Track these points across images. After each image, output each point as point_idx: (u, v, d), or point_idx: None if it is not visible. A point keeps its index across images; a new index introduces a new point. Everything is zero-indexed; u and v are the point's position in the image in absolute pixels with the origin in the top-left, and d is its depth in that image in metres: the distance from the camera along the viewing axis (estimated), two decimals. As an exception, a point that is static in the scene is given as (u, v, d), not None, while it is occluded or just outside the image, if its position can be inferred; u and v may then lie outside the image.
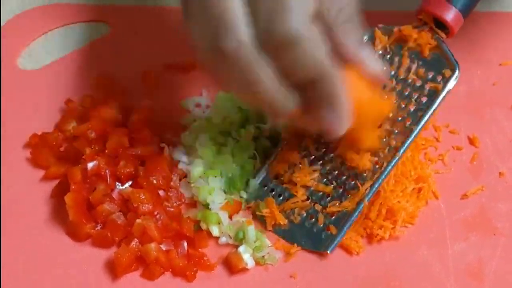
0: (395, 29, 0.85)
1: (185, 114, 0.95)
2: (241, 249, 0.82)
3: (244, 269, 0.82)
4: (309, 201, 0.85)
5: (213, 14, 0.71)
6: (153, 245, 0.82)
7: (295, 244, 0.84)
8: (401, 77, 0.85)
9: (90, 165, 0.85)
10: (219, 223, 0.84)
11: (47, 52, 1.03)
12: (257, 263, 0.83)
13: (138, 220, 0.83)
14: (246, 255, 0.82)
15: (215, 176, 0.87)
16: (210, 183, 0.86)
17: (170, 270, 0.83)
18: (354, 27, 0.76)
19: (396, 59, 0.86)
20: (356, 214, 0.82)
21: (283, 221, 0.85)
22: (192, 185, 0.87)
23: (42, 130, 0.93)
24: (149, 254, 0.82)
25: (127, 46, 1.03)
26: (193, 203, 0.87)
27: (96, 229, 0.85)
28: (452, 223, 0.86)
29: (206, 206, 0.85)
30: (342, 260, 0.84)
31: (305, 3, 0.71)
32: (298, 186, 0.85)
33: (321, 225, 0.83)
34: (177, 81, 0.99)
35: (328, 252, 0.82)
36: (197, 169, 0.87)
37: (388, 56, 0.86)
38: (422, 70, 0.84)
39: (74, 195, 0.84)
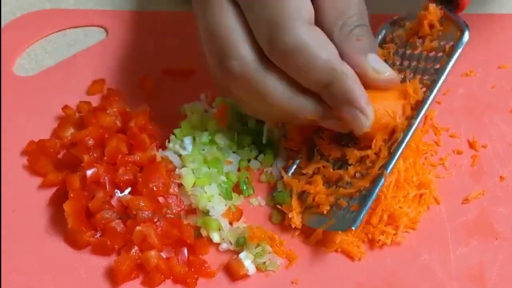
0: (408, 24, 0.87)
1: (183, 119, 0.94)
2: (242, 255, 0.82)
3: (245, 276, 0.82)
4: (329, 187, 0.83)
5: (216, 35, 0.72)
6: (153, 252, 0.81)
7: (318, 228, 0.82)
8: (416, 54, 0.86)
9: (89, 172, 0.84)
10: (219, 230, 0.84)
11: (44, 57, 1.03)
12: (258, 269, 0.82)
13: (138, 228, 0.82)
14: (247, 262, 0.81)
15: (210, 184, 0.86)
16: (207, 190, 0.86)
17: (171, 277, 0.82)
18: (360, 36, 0.77)
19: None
20: (378, 187, 0.79)
21: (298, 224, 0.83)
22: (190, 193, 0.86)
23: (39, 137, 0.92)
24: (149, 262, 0.81)
25: (125, 51, 1.03)
26: (192, 209, 0.87)
27: (96, 237, 0.84)
28: (453, 228, 0.85)
29: (206, 212, 0.84)
30: (343, 265, 0.83)
31: (302, 11, 0.71)
32: (318, 178, 0.84)
33: (345, 206, 0.81)
34: (175, 87, 0.99)
35: (354, 228, 0.78)
36: (187, 180, 0.86)
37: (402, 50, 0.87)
38: (434, 43, 0.84)
39: (73, 203, 0.83)
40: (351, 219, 0.79)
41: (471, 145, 0.92)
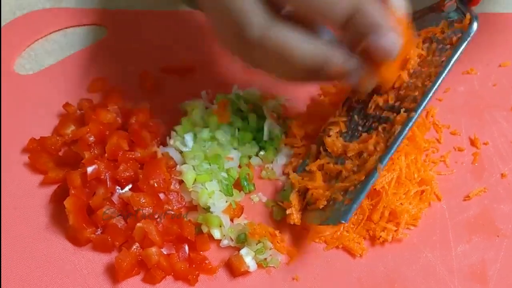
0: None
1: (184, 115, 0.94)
2: (243, 252, 0.82)
3: (246, 272, 0.82)
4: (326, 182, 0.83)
5: (228, 10, 0.72)
6: (154, 249, 0.81)
7: (315, 224, 0.82)
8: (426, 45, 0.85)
9: (89, 169, 0.84)
10: (220, 226, 0.84)
11: (44, 57, 1.03)
12: (259, 266, 0.82)
13: (138, 224, 0.82)
14: (248, 258, 0.81)
15: (210, 181, 0.86)
16: (208, 187, 0.86)
17: (172, 274, 0.82)
18: None
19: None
20: (372, 180, 0.78)
21: (297, 221, 0.83)
22: (190, 189, 0.86)
23: (40, 135, 0.92)
24: (150, 258, 0.81)
25: (125, 49, 1.03)
26: (193, 206, 0.87)
27: (97, 233, 0.84)
28: (455, 225, 0.85)
29: (207, 209, 0.84)
30: (344, 262, 0.83)
31: None
32: (319, 174, 0.84)
33: (340, 201, 0.80)
34: (176, 84, 0.99)
35: (343, 222, 0.76)
36: (188, 176, 0.86)
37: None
38: (444, 34, 0.84)
39: (73, 200, 0.83)
40: (343, 213, 0.77)
41: (472, 143, 0.92)
